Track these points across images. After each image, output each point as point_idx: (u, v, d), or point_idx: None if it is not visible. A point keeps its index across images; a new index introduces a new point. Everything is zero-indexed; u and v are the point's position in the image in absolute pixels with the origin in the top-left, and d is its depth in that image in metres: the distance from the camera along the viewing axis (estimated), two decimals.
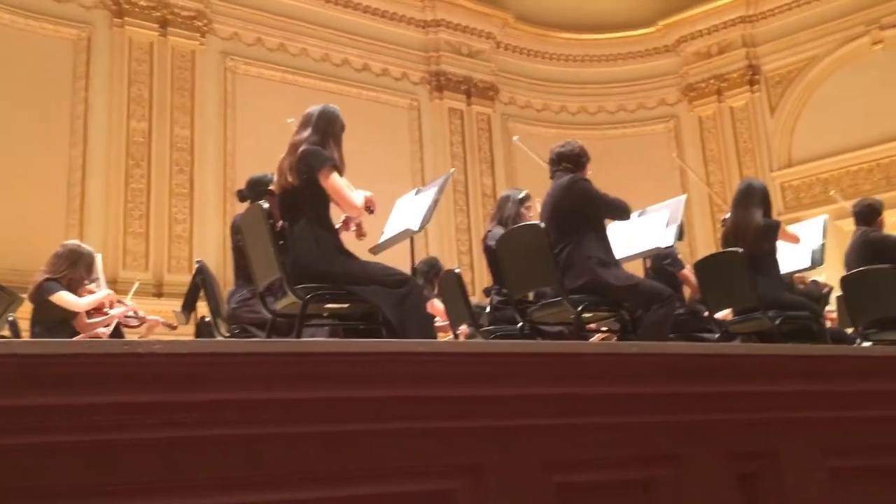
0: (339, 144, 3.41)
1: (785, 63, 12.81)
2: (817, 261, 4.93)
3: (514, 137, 3.94)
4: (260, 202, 3.35)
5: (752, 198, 4.63)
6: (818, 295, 6.53)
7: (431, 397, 1.99)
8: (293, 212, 3.30)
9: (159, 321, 5.73)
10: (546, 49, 13.72)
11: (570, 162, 4.20)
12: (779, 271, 4.68)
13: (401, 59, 12.42)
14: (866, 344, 5.02)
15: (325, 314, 3.45)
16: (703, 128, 13.40)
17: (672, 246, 4.81)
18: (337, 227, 3.46)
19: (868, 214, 5.34)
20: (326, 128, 3.39)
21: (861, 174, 11.94)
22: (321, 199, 3.29)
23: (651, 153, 13.41)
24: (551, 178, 4.26)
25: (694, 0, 13.13)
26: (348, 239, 3.54)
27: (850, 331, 5.23)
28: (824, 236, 4.97)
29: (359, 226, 3.52)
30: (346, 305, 3.33)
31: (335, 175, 3.26)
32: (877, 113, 11.63)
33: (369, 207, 3.32)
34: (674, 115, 13.72)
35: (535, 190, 4.64)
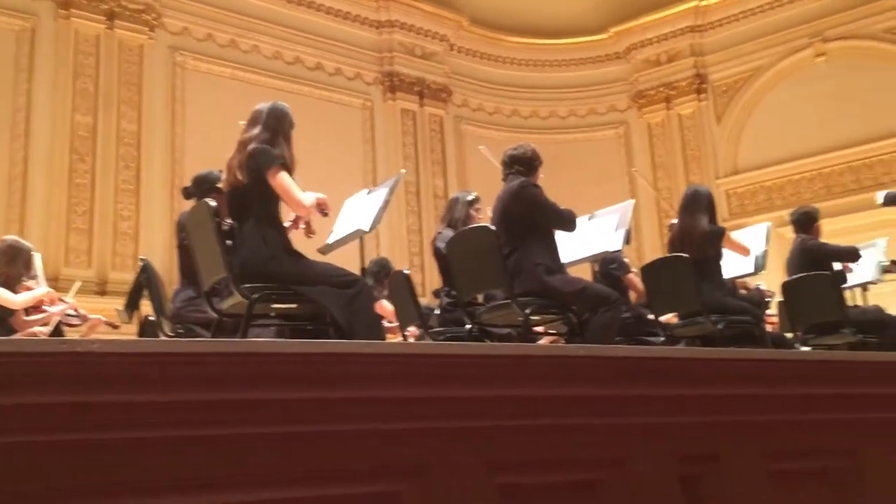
0: (288, 142, 3.37)
1: (731, 73, 13.09)
2: (760, 266, 5.03)
3: (481, 147, 3.94)
4: (206, 200, 3.29)
5: (698, 204, 4.71)
6: (760, 300, 6.67)
7: (377, 398, 1.97)
8: (242, 211, 3.25)
9: (101, 320, 5.59)
10: (499, 52, 13.79)
11: (522, 165, 4.22)
12: (722, 276, 4.77)
13: (354, 59, 12.36)
14: (805, 348, 5.16)
15: (273, 314, 3.41)
16: (651, 134, 13.61)
17: (620, 250, 4.86)
18: (286, 226, 3.42)
19: (805, 221, 5.48)
20: (276, 125, 3.35)
21: (803, 183, 12.25)
22: (270, 198, 3.25)
23: (601, 158, 13.58)
24: (503, 180, 4.28)
25: (644, 8, 13.33)
26: (298, 239, 3.50)
27: (790, 335, 5.37)
28: (767, 243, 5.08)
29: (307, 224, 3.48)
30: (293, 306, 3.30)
31: (283, 174, 3.22)
32: (818, 124, 11.96)
33: (322, 209, 3.29)
34: (624, 121, 13.91)
35: (488, 193, 4.65)
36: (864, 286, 6.02)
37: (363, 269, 4.46)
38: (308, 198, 3.24)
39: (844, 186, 11.75)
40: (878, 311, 5.66)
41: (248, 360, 1.86)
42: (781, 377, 2.55)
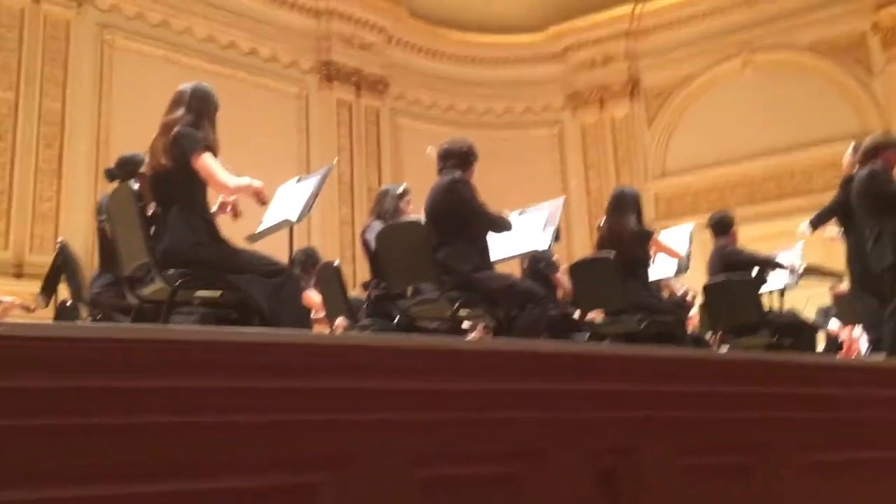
0: (213, 124, 3.30)
1: (663, 78, 13.38)
2: (683, 267, 5.16)
3: (428, 148, 3.92)
4: (128, 183, 3.20)
5: (626, 205, 4.80)
6: (683, 301, 6.84)
7: (298, 389, 1.95)
8: (166, 196, 3.17)
9: (14, 303, 5.38)
10: (438, 47, 13.79)
11: (457, 159, 4.22)
12: (648, 276, 4.88)
13: (290, 46, 12.19)
14: (723, 348, 5.31)
15: (197, 302, 3.34)
16: (585, 135, 13.83)
17: (549, 248, 4.92)
18: (213, 212, 3.35)
19: (721, 226, 5.66)
20: (200, 107, 3.27)
21: (727, 188, 12.62)
22: (196, 183, 3.17)
23: (535, 156, 13.73)
24: (438, 174, 4.27)
25: (582, 11, 13.52)
26: (225, 228, 3.44)
27: (709, 335, 5.52)
28: (690, 244, 5.21)
29: (233, 206, 3.42)
30: (218, 293, 3.23)
31: (207, 156, 3.15)
32: (744, 131, 12.33)
33: (259, 198, 3.24)
34: (558, 120, 14.08)
35: (423, 186, 4.63)
36: (780, 290, 6.23)
37: (291, 259, 4.41)
38: (232, 180, 3.18)
39: (766, 193, 12.14)
40: (794, 314, 5.87)
41: (166, 348, 1.81)
42: (698, 375, 2.62)
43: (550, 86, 14.10)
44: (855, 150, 5.32)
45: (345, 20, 12.65)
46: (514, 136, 13.92)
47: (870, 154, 4.89)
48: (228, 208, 3.42)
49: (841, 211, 5.29)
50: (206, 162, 3.13)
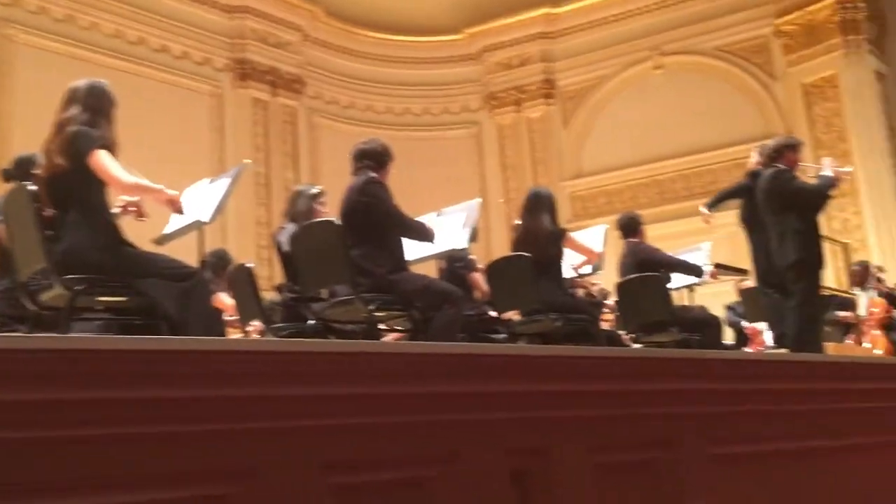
0: (110, 122, 3.18)
1: (578, 80, 13.63)
2: (598, 266, 5.26)
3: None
4: (25, 184, 3.05)
5: (541, 205, 4.85)
6: (599, 300, 6.97)
7: (205, 398, 1.90)
8: (64, 197, 3.03)
9: None
10: (355, 46, 13.69)
11: (372, 160, 4.18)
12: (562, 276, 4.94)
13: (203, 44, 11.90)
14: (636, 346, 5.44)
15: (100, 307, 3.21)
16: (502, 136, 13.96)
17: (466, 248, 4.93)
18: (115, 213, 3.22)
19: (630, 226, 5.80)
20: (96, 105, 3.14)
21: (640, 188, 12.95)
22: (94, 183, 3.04)
23: (454, 157, 13.78)
24: (353, 174, 4.23)
25: (498, 12, 13.64)
26: (132, 230, 3.32)
27: (623, 333, 5.64)
28: (604, 244, 5.31)
29: (137, 206, 3.30)
30: (122, 298, 3.12)
31: (102, 153, 3.02)
32: (655, 133, 12.67)
33: (176, 206, 3.14)
34: (476, 121, 14.17)
35: (341, 187, 4.55)
36: (690, 287, 6.41)
37: (203, 262, 4.30)
38: (130, 177, 3.07)
39: (676, 193, 12.50)
40: (702, 310, 6.06)
41: (67, 358, 1.74)
42: (608, 374, 2.67)
43: (468, 87, 14.19)
44: (760, 153, 5.53)
45: (259, 18, 12.43)
46: (433, 137, 13.95)
47: (773, 155, 5.08)
48: (132, 209, 3.30)
49: (744, 205, 5.52)
50: (102, 160, 3.00)
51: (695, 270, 5.70)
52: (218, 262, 5.36)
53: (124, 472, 1.77)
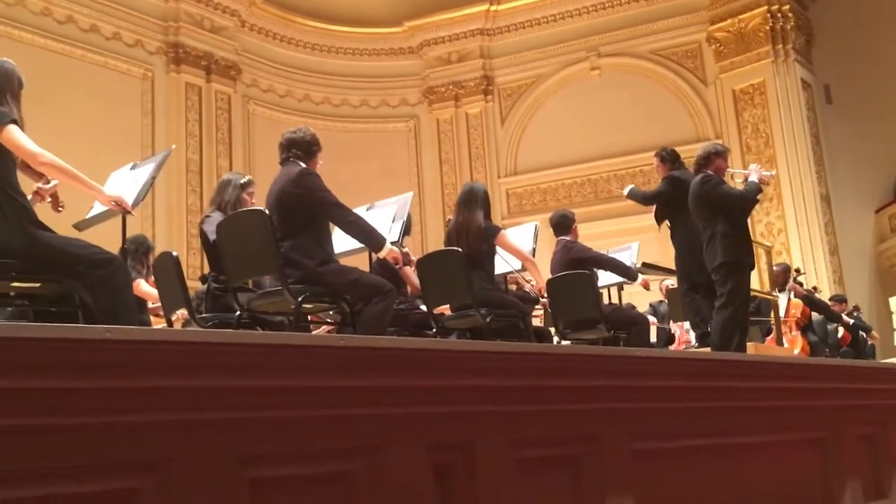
0: (17, 102, 3.06)
1: (516, 78, 13.73)
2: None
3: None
4: None
5: (474, 201, 4.86)
6: (534, 297, 7.02)
7: (118, 388, 1.83)
8: None
9: None
10: (292, 35, 13.51)
11: (300, 149, 4.11)
12: (494, 271, 4.96)
13: (135, 25, 11.58)
14: (565, 342, 5.50)
15: (12, 294, 3.09)
16: (440, 130, 13.97)
17: (397, 241, 4.91)
18: (29, 197, 3.10)
19: (563, 224, 5.86)
20: (3, 84, 3.02)
21: (574, 187, 13.12)
22: (3, 162, 2.92)
23: (391, 150, 13.74)
24: (281, 164, 4.16)
25: (438, 7, 13.63)
26: (49, 214, 3.20)
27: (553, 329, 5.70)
28: (535, 241, 5.35)
29: (54, 196, 3.18)
30: (36, 285, 3.00)
31: (12, 127, 2.91)
32: (590, 133, 12.86)
33: (122, 207, 3.02)
34: (414, 115, 14.15)
35: (273, 176, 4.47)
36: (619, 285, 6.52)
37: (124, 250, 4.17)
38: (46, 153, 2.98)
39: (609, 193, 12.70)
40: (629, 308, 6.16)
41: None
42: (532, 369, 2.68)
43: (407, 80, 14.15)
44: (660, 158, 5.74)
45: (194, 2, 12.16)
46: (370, 130, 13.88)
47: (702, 162, 5.22)
48: (48, 196, 3.18)
49: (664, 207, 5.65)
50: (13, 134, 2.89)
51: (627, 272, 5.79)
52: (138, 249, 5.20)
53: (30, 465, 1.70)
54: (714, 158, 5.21)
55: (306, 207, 3.93)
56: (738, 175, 5.65)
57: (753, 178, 5.17)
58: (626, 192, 6.07)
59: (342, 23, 13.68)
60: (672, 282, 7.06)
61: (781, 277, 8.28)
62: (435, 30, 13.82)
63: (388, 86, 14.09)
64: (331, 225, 4.12)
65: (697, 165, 5.27)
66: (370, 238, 4.09)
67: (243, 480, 1.98)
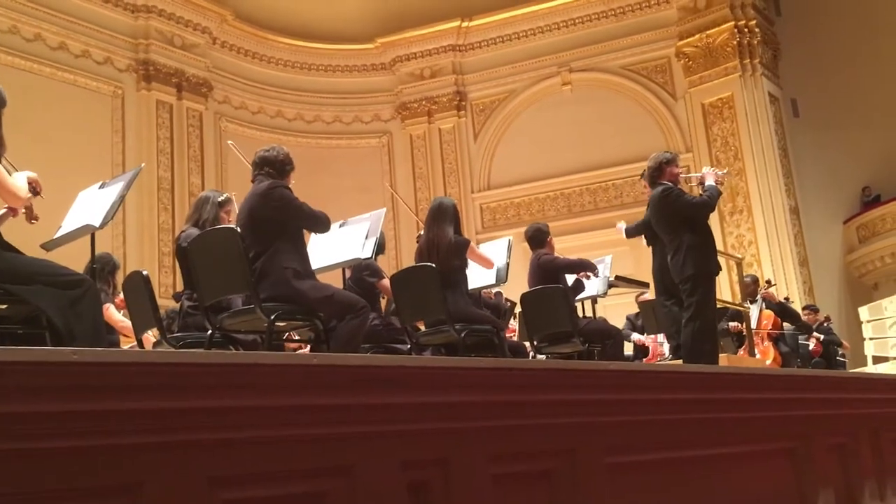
0: None
1: (488, 93, 13.81)
2: (501, 278, 5.29)
3: (229, 142, 3.74)
4: None
5: (444, 216, 4.85)
6: (506, 309, 7.04)
7: (86, 412, 1.80)
8: None
9: None
10: (265, 52, 13.50)
11: (273, 167, 4.10)
12: (467, 286, 4.95)
13: (105, 43, 11.51)
14: (540, 357, 5.50)
15: None
16: (413, 146, 14.00)
17: (371, 257, 4.89)
18: (2, 212, 3.05)
19: (537, 238, 5.87)
20: None
21: (547, 201, 13.19)
22: None
23: (364, 166, 13.74)
24: (252, 181, 4.14)
25: (411, 23, 13.69)
26: (18, 233, 3.14)
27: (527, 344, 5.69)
28: (508, 256, 5.36)
29: (28, 208, 3.12)
30: (3, 306, 2.95)
31: None
32: (563, 147, 12.95)
33: (34, 188, 2.96)
34: (387, 131, 14.17)
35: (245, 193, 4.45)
36: (593, 299, 6.55)
37: (92, 269, 4.12)
38: (23, 183, 2.91)
39: (583, 206, 12.80)
40: (603, 322, 6.18)
41: None
42: (507, 385, 2.67)
43: (379, 96, 14.18)
44: (649, 179, 5.73)
45: (165, 18, 12.12)
46: (343, 146, 13.88)
47: (656, 174, 5.23)
48: (20, 212, 3.12)
49: (647, 226, 5.66)
50: None
51: (590, 267, 5.78)
52: (104, 268, 5.13)
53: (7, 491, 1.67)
54: (665, 167, 5.22)
55: (278, 220, 3.92)
56: (693, 179, 5.68)
57: (710, 181, 5.15)
58: (624, 235, 6.00)
59: (315, 39, 13.69)
60: (648, 294, 7.10)
61: (751, 288, 8.35)
62: (407, 46, 13.88)
63: (361, 102, 14.11)
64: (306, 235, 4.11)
65: (651, 177, 5.28)
66: (322, 223, 4.08)
67: (214, 502, 1.96)
